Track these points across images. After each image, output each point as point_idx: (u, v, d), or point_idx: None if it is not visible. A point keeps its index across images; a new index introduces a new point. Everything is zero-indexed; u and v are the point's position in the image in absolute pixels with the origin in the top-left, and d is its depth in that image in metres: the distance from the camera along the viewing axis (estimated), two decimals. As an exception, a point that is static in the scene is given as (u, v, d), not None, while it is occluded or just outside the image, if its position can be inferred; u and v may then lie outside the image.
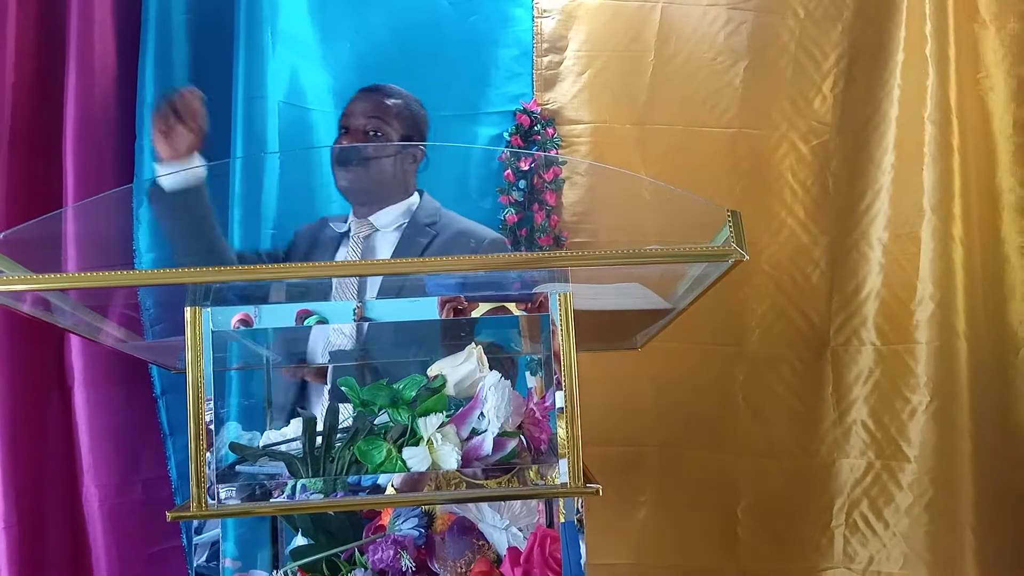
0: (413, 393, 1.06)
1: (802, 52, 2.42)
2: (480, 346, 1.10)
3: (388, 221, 1.70)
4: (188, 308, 0.95)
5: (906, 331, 2.28)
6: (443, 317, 1.04)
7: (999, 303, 2.33)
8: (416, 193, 1.77)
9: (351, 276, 1.01)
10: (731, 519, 2.36)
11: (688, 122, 2.44)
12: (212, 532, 1.04)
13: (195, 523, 1.02)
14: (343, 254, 1.74)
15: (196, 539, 0.99)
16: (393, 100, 1.72)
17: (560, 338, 1.00)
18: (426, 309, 1.05)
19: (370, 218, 1.71)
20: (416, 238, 1.69)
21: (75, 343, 2.19)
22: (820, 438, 2.36)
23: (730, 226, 0.91)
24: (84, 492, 2.22)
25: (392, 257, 1.66)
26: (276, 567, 1.17)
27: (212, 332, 0.97)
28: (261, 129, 2.27)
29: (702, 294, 1.06)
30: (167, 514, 0.98)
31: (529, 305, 1.01)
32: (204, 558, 1.04)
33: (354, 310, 1.04)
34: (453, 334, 1.13)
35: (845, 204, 2.40)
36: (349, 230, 1.72)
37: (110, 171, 2.25)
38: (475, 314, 1.05)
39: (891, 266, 2.31)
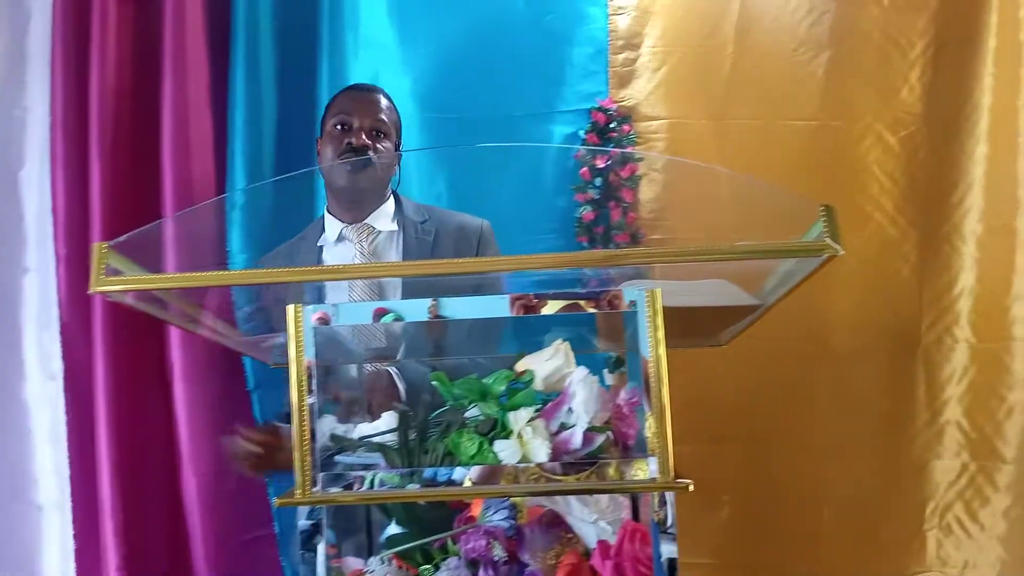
0: (503, 388, 1.09)
1: (887, 41, 2.36)
2: (567, 342, 1.12)
3: (384, 224, 1.69)
4: (290, 305, 1.00)
5: (1002, 327, 2.19)
6: (513, 314, 1.06)
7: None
8: (392, 194, 1.75)
9: (428, 275, 1.04)
10: (816, 520, 2.31)
11: (768, 116, 2.40)
12: (312, 521, 1.08)
13: (300, 530, 1.07)
14: (347, 258, 1.68)
15: (300, 524, 1.03)
16: (387, 101, 1.71)
17: (648, 335, 1.01)
18: (498, 306, 1.07)
19: (367, 221, 1.69)
20: (421, 236, 1.68)
21: (175, 341, 2.31)
22: (911, 438, 2.29)
23: (824, 220, 0.90)
24: (183, 480, 2.34)
25: (404, 256, 1.65)
26: (370, 554, 1.21)
27: (313, 328, 1.02)
28: (345, 131, 2.34)
29: (791, 290, 1.06)
30: (274, 500, 1.03)
31: (600, 302, 1.02)
32: (304, 545, 1.09)
33: (428, 308, 1.07)
34: (524, 331, 1.16)
35: (935, 196, 2.32)
36: (342, 236, 1.67)
37: (204, 174, 2.36)
38: (545, 311, 1.06)
39: (985, 260, 2.23)
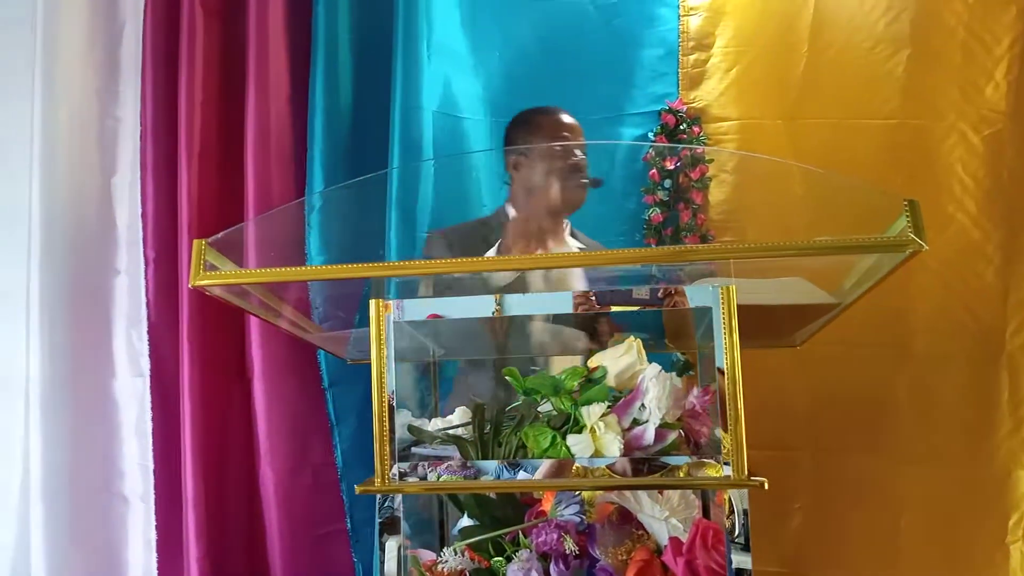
0: (575, 383, 1.10)
1: (971, 37, 2.28)
2: (639, 340, 1.13)
3: (568, 239, 1.83)
4: (373, 301, 1.04)
5: (1094, 333, 2.10)
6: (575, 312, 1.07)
7: None
8: None
9: (520, 269, 1.06)
10: (893, 531, 2.24)
11: (843, 115, 2.35)
12: (389, 510, 1.11)
13: (379, 519, 1.10)
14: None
15: (378, 513, 1.07)
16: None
17: (723, 331, 1.01)
18: (561, 303, 1.08)
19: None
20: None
21: (255, 338, 2.39)
22: (994, 447, 2.20)
23: (907, 215, 0.89)
24: (261, 475, 2.42)
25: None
26: (443, 545, 1.24)
27: (393, 323, 1.06)
28: (417, 137, 2.39)
29: (872, 287, 1.04)
30: (355, 487, 1.06)
31: (664, 301, 1.02)
32: (382, 535, 1.12)
33: (494, 311, 1.09)
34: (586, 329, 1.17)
35: (1021, 197, 2.23)
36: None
37: (284, 180, 2.44)
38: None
39: (1074, 263, 2.14)
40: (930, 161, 2.29)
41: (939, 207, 2.26)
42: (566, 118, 1.96)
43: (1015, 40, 2.27)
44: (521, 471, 1.05)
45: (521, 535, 1.17)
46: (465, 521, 1.26)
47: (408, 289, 1.23)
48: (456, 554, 1.20)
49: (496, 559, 1.17)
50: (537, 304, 1.12)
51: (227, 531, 2.43)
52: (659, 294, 1.10)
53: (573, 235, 1.92)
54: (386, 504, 1.07)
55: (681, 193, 2.44)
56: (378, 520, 1.06)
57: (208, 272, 0.97)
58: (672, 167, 2.43)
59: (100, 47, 2.56)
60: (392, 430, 1.04)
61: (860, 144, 2.33)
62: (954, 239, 2.27)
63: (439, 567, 1.18)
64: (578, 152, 1.85)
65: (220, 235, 1.04)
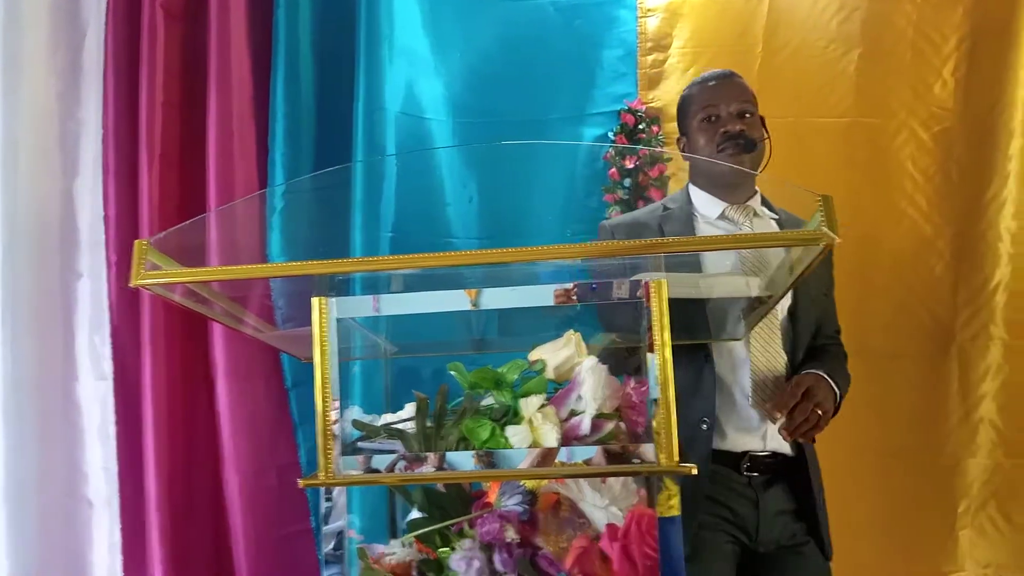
0: (516, 376, 1.13)
1: (920, 36, 2.34)
2: (578, 332, 1.16)
3: (760, 209, 1.67)
4: (314, 298, 1.06)
5: (1038, 325, 2.16)
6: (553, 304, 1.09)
7: None
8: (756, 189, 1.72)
9: (464, 265, 1.09)
10: (849, 519, 2.28)
11: (799, 113, 2.40)
12: (338, 523, 1.13)
13: (323, 511, 1.12)
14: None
15: (324, 528, 1.09)
16: (740, 79, 1.70)
17: (655, 323, 1.04)
18: (540, 297, 1.10)
19: (749, 203, 1.66)
20: (791, 226, 1.62)
21: (218, 340, 2.40)
22: (945, 437, 2.26)
23: (821, 211, 0.93)
24: (225, 476, 2.42)
25: None
26: (393, 537, 1.26)
27: (337, 320, 1.08)
28: (380, 138, 2.42)
29: (797, 279, 1.08)
30: (298, 481, 1.08)
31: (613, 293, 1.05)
32: (332, 546, 1.13)
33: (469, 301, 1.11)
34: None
35: (970, 193, 2.30)
36: (724, 215, 1.66)
37: (247, 181, 2.45)
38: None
39: (1020, 257, 2.21)
40: (883, 158, 2.35)
41: (892, 203, 2.32)
42: (714, 83, 1.69)
43: (962, 39, 2.33)
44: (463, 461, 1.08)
45: (467, 526, 1.19)
46: (414, 513, 1.28)
47: (379, 287, 1.25)
48: (404, 546, 1.22)
49: (442, 550, 1.19)
50: (516, 297, 1.14)
51: (191, 533, 2.44)
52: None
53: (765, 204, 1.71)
54: (330, 497, 1.09)
55: (640, 191, 2.48)
56: (322, 513, 1.08)
57: (149, 272, 0.99)
58: (632, 166, 2.47)
59: (62, 51, 2.56)
60: (336, 424, 1.06)
61: (816, 142, 2.38)
62: (906, 235, 2.33)
63: (387, 559, 1.20)
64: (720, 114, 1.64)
65: (163, 234, 1.05)
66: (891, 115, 2.33)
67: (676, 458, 1.02)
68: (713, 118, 1.64)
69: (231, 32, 2.48)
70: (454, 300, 1.15)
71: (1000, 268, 2.23)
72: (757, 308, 1.26)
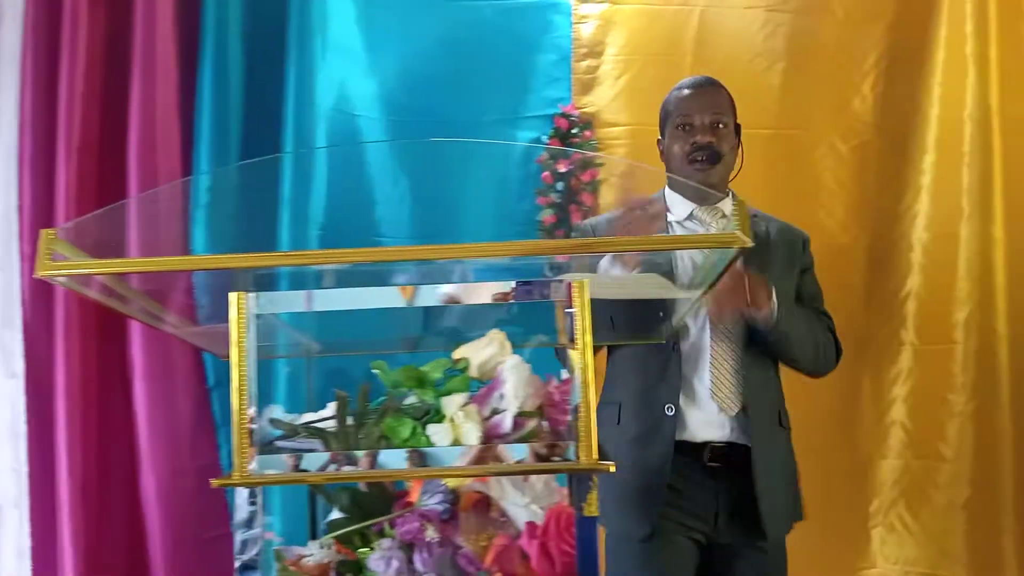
0: (439, 375, 1.13)
1: (841, 53, 2.43)
2: (503, 332, 1.16)
3: (729, 211, 1.72)
4: (232, 293, 1.03)
5: (945, 332, 2.27)
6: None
7: (1046, 304, 2.30)
8: (728, 190, 1.77)
9: (383, 261, 1.08)
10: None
11: (726, 123, 2.46)
12: (253, 524, 1.11)
13: (238, 517, 1.09)
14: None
15: (238, 530, 1.06)
16: (720, 89, 1.77)
17: (576, 323, 1.05)
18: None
19: (719, 205, 1.72)
20: (753, 230, 1.65)
21: (136, 337, 2.33)
22: (858, 438, 2.35)
23: (735, 215, 0.96)
24: (142, 479, 2.35)
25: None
26: (314, 539, 1.25)
27: (257, 316, 1.06)
28: (310, 136, 2.38)
29: (715, 281, 1.11)
30: (211, 481, 1.06)
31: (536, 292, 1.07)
32: (247, 548, 1.11)
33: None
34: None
35: (885, 204, 2.40)
36: (693, 215, 1.71)
37: (170, 174, 2.39)
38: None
39: (930, 266, 2.31)
40: (803, 169, 2.43)
41: (811, 212, 2.40)
42: (690, 91, 1.76)
43: (881, 56, 2.43)
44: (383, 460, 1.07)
45: (387, 526, 1.18)
46: (335, 515, 1.26)
47: (304, 284, 1.23)
48: (323, 547, 1.21)
49: (362, 550, 1.18)
50: (449, 295, 1.14)
51: (106, 537, 2.36)
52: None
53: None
54: (254, 501, 1.07)
55: (573, 195, 2.50)
56: (236, 515, 1.06)
57: (55, 262, 0.95)
58: (564, 169, 2.50)
59: (-23, 39, 2.45)
60: (252, 422, 1.04)
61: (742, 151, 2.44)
62: (824, 243, 2.40)
63: (305, 561, 1.19)
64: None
65: (70, 224, 1.02)
66: (812, 128, 2.41)
67: (595, 456, 1.04)
68: (687, 127, 1.70)
69: (157, 19, 2.42)
70: (379, 297, 1.14)
71: (912, 277, 2.33)
72: (682, 308, 1.29)
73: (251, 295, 1.04)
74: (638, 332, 1.47)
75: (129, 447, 2.36)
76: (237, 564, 1.08)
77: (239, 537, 1.09)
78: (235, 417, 1.05)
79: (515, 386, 1.09)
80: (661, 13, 2.50)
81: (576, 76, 2.53)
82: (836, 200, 2.41)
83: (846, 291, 2.37)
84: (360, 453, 1.07)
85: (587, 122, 2.52)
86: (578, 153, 2.49)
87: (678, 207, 1.73)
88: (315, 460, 1.08)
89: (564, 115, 2.52)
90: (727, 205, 1.74)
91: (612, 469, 1.02)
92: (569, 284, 1.07)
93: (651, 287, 1.20)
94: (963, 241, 2.26)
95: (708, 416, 1.63)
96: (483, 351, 1.14)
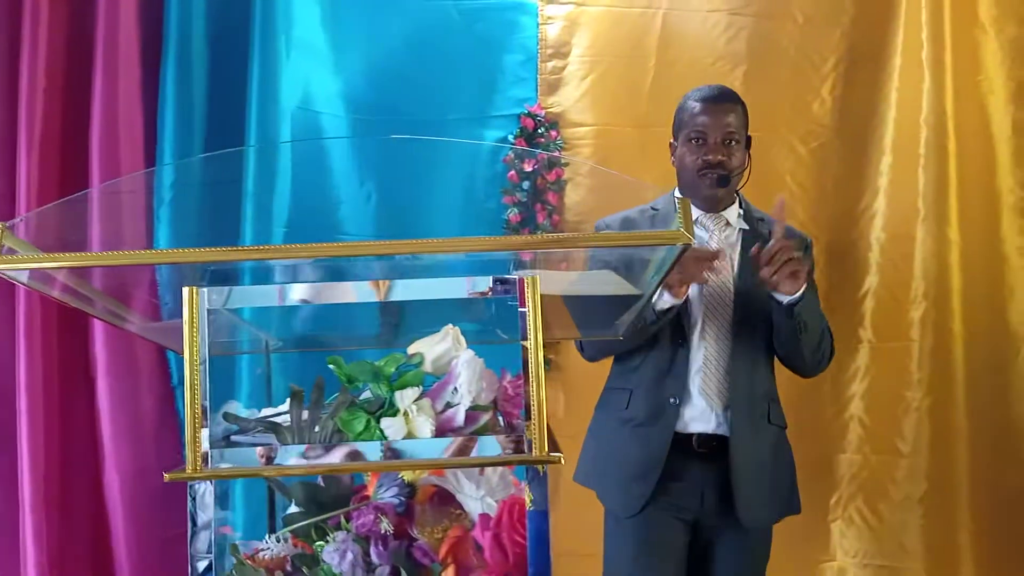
0: (393, 369, 1.14)
1: (801, 56, 2.47)
2: (457, 327, 1.18)
3: (734, 220, 1.84)
4: (186, 288, 1.04)
5: (901, 329, 2.32)
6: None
7: (999, 303, 2.36)
8: (737, 195, 1.88)
9: (336, 257, 1.09)
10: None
11: (688, 124, 2.49)
12: (207, 519, 1.11)
13: (191, 510, 1.10)
14: (701, 241, 1.83)
15: (192, 525, 1.07)
16: (735, 105, 1.84)
17: (528, 318, 1.07)
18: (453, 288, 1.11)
19: (723, 213, 1.82)
20: (758, 236, 1.80)
21: (99, 336, 2.31)
22: (818, 433, 2.39)
23: (679, 213, 0.98)
24: (106, 478, 2.34)
25: (741, 255, 1.80)
26: (272, 533, 1.25)
27: (212, 311, 1.06)
28: (275, 134, 2.38)
29: (663, 279, 1.13)
30: (164, 475, 1.06)
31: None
32: (201, 542, 1.12)
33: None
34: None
35: (843, 205, 2.44)
36: (698, 221, 1.82)
37: (133, 169, 2.37)
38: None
39: (887, 266, 2.35)
40: (765, 170, 2.44)
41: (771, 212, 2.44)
42: (709, 106, 1.81)
43: (840, 60, 2.47)
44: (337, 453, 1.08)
45: (343, 520, 1.19)
46: (292, 509, 1.27)
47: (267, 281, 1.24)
48: (279, 541, 1.21)
49: (318, 544, 1.19)
50: (427, 290, 1.15)
51: (69, 536, 2.34)
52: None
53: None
54: (199, 492, 1.07)
55: (538, 195, 2.52)
56: (189, 509, 1.06)
57: (3, 256, 0.95)
58: (530, 169, 2.52)
59: (-64, 32, 2.41)
60: (205, 416, 1.04)
61: (704, 152, 2.47)
62: (785, 243, 2.44)
63: (261, 555, 1.19)
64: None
65: (20, 218, 1.02)
66: (772, 129, 2.45)
67: (546, 449, 1.05)
68: (700, 140, 1.78)
69: (120, 14, 2.40)
70: (336, 293, 1.15)
71: (870, 276, 2.38)
72: (632, 306, 1.31)
73: (204, 290, 1.05)
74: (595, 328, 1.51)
75: (92, 445, 2.34)
76: (190, 558, 1.08)
77: (192, 532, 1.10)
78: (188, 412, 1.05)
79: (468, 380, 1.11)
80: (626, 15, 2.52)
81: (542, 76, 2.55)
82: (796, 200, 2.45)
83: (806, 290, 2.41)
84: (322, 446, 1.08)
85: (553, 122, 2.54)
86: (543, 153, 2.51)
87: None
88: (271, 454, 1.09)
89: (530, 115, 2.54)
90: (734, 211, 1.85)
91: (562, 461, 1.04)
92: (521, 280, 1.09)
93: (604, 284, 1.22)
94: (919, 241, 2.31)
95: (698, 411, 1.75)
96: (437, 346, 1.16)
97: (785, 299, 1.67)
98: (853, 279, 2.40)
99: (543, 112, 2.54)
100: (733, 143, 1.78)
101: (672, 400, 1.75)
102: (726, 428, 1.75)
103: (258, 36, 2.35)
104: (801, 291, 1.67)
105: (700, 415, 1.75)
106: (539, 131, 2.54)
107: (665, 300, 1.68)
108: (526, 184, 2.52)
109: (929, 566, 2.28)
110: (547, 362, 2.48)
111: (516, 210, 2.51)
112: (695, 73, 2.48)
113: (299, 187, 2.36)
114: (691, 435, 1.75)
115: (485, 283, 1.13)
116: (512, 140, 2.54)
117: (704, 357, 1.75)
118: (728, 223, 1.84)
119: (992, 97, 2.39)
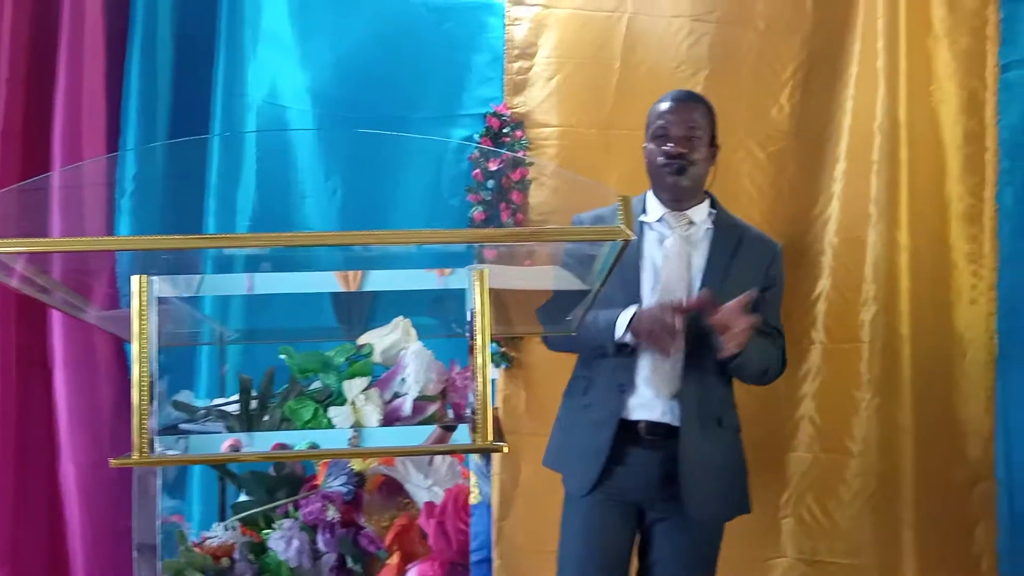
0: (343, 359, 1.16)
1: (761, 63, 2.52)
2: (407, 319, 1.20)
3: (700, 219, 1.92)
4: (134, 276, 1.05)
5: (852, 331, 2.37)
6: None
7: (946, 307, 2.42)
8: (709, 196, 1.97)
9: (283, 246, 1.11)
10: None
11: (653, 127, 2.54)
12: (153, 505, 1.12)
13: (135, 496, 1.11)
14: (665, 241, 1.91)
15: (136, 511, 1.08)
16: (701, 106, 1.94)
17: (476, 310, 1.09)
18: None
19: (687, 212, 1.91)
20: (724, 240, 1.91)
21: (57, 327, 2.29)
22: (771, 432, 2.44)
23: (620, 210, 1.01)
24: (61, 469, 2.32)
25: (708, 257, 1.90)
26: (222, 521, 1.26)
27: (159, 298, 1.08)
28: (240, 127, 2.38)
29: (608, 275, 1.16)
30: (110, 461, 1.07)
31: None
32: (146, 529, 1.12)
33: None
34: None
35: (799, 209, 2.49)
36: (663, 219, 1.92)
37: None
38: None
39: (840, 269, 2.40)
40: (724, 173, 2.48)
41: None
42: (674, 104, 1.93)
43: (798, 68, 2.52)
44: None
45: (292, 508, 1.21)
46: (242, 498, 1.28)
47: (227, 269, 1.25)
48: (228, 529, 1.23)
49: (266, 531, 1.20)
50: (394, 280, 1.17)
51: (24, 527, 2.33)
52: None
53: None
54: (144, 478, 1.09)
55: (503, 193, 2.55)
56: (134, 495, 1.08)
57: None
58: (495, 168, 2.54)
59: None
60: (152, 401, 1.06)
61: (667, 154, 2.51)
62: (742, 245, 2.49)
63: (209, 542, 1.21)
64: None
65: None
66: (732, 133, 2.48)
67: (490, 438, 1.08)
68: (663, 136, 1.89)
69: (86, 3, 2.39)
70: (287, 283, 1.17)
71: (823, 279, 2.43)
72: (580, 302, 1.34)
73: (154, 278, 1.06)
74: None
75: (48, 436, 2.32)
76: (134, 544, 1.09)
77: (137, 518, 1.11)
78: (134, 399, 1.06)
79: (416, 371, 1.13)
80: (592, 18, 2.55)
81: (508, 77, 2.57)
82: (753, 204, 2.50)
83: (762, 291, 2.47)
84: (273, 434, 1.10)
85: (518, 122, 2.56)
86: (508, 153, 2.54)
87: (653, 210, 1.95)
88: (216, 442, 1.10)
89: (496, 114, 2.56)
90: (701, 211, 1.94)
91: (505, 450, 1.07)
92: (471, 273, 1.11)
93: (551, 280, 1.25)
94: (870, 246, 2.36)
95: (643, 399, 1.86)
96: (387, 337, 1.18)
97: (725, 354, 1.77)
98: (807, 282, 2.44)
99: (509, 112, 2.56)
100: (695, 139, 1.87)
101: (620, 388, 1.84)
102: (671, 418, 1.83)
103: (225, 29, 2.35)
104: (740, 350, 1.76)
105: (645, 403, 1.84)
106: (504, 131, 2.56)
107: (628, 337, 1.79)
108: (491, 183, 2.54)
109: (877, 562, 2.33)
110: (509, 359, 2.51)
111: (480, 208, 2.53)
112: (659, 77, 2.53)
113: (264, 181, 2.37)
114: (638, 422, 1.84)
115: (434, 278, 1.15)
116: (478, 139, 2.56)
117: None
118: (692, 222, 1.91)
119: (944, 106, 2.46)
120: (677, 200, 1.91)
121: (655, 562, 1.90)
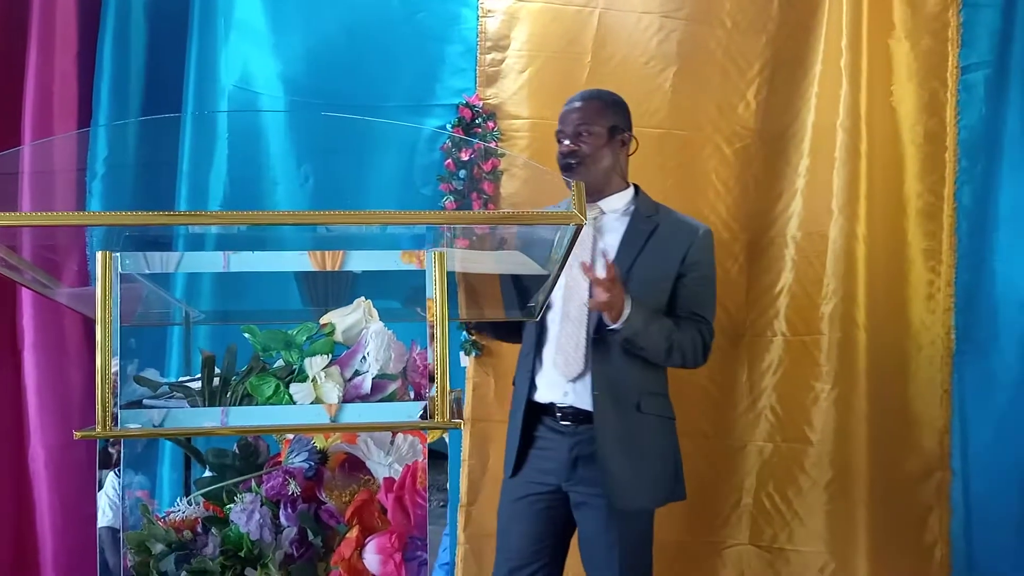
0: (305, 338, 1.19)
1: (728, 60, 2.57)
2: (368, 300, 1.23)
3: (614, 207, 1.99)
4: (99, 252, 1.07)
5: (813, 323, 2.43)
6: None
7: (903, 302, 2.49)
8: (632, 186, 2.04)
9: (243, 224, 1.13)
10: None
11: (619, 121, 2.58)
12: (114, 478, 1.14)
13: (98, 465, 1.13)
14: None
15: (99, 464, 1.10)
16: (593, 104, 1.99)
17: (435, 291, 1.13)
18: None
19: (599, 203, 1.99)
20: (640, 226, 1.97)
21: (27, 308, 2.29)
22: (733, 422, 2.50)
23: (574, 196, 1.05)
24: (31, 452, 2.32)
25: (620, 242, 1.96)
26: (186, 496, 1.29)
27: (122, 274, 1.10)
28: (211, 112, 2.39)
29: (564, 260, 1.20)
30: (74, 433, 1.09)
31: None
32: (108, 501, 1.15)
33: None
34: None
35: (763, 204, 2.55)
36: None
37: (66, 147, 2.36)
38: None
39: (802, 263, 2.47)
40: (691, 168, 2.56)
41: (696, 209, 2.53)
42: (567, 106, 2.03)
43: (764, 65, 2.58)
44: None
45: (255, 484, 1.24)
46: (206, 474, 1.31)
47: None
48: (190, 504, 1.25)
49: (228, 506, 1.23)
50: (368, 261, 1.20)
51: (-9, 510, 2.32)
52: None
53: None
54: (107, 450, 1.11)
55: (474, 184, 2.58)
56: (98, 467, 1.10)
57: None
58: (467, 158, 2.57)
59: None
60: (115, 376, 1.08)
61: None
62: (708, 239, 2.54)
63: (172, 516, 1.23)
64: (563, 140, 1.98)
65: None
66: (699, 129, 2.54)
67: (447, 416, 1.12)
68: (560, 136, 2.01)
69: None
70: (251, 262, 1.19)
71: (785, 273, 2.49)
72: (542, 286, 1.38)
73: (117, 254, 1.08)
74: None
75: (18, 419, 2.32)
76: (99, 520, 1.12)
77: (100, 493, 1.13)
78: (98, 374, 1.08)
79: (376, 350, 1.16)
80: (563, 12, 2.59)
81: (481, 68, 2.60)
82: (719, 198, 2.55)
83: (727, 284, 2.51)
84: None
85: (490, 113, 2.59)
86: (480, 143, 2.57)
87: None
88: (180, 416, 1.13)
89: (468, 105, 2.59)
90: (617, 199, 2.00)
91: (461, 427, 1.11)
92: (430, 255, 1.15)
93: (511, 264, 1.28)
94: (831, 240, 2.42)
95: (548, 380, 1.94)
96: (348, 317, 1.21)
97: (609, 324, 1.84)
98: (770, 275, 2.51)
99: (481, 103, 2.60)
100: (583, 135, 1.96)
101: (531, 371, 1.95)
102: (574, 399, 1.90)
103: (197, 14, 2.36)
104: (622, 321, 1.83)
105: (550, 385, 1.93)
106: (476, 121, 2.59)
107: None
108: (462, 173, 2.58)
109: (833, 549, 2.40)
110: (479, 348, 2.55)
111: (452, 198, 2.56)
112: (629, 71, 2.57)
113: (235, 168, 2.38)
114: (549, 405, 1.93)
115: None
116: (450, 129, 2.59)
117: (560, 333, 1.92)
118: (602, 211, 2.00)
119: (905, 106, 2.52)
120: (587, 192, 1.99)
121: (581, 546, 1.95)
